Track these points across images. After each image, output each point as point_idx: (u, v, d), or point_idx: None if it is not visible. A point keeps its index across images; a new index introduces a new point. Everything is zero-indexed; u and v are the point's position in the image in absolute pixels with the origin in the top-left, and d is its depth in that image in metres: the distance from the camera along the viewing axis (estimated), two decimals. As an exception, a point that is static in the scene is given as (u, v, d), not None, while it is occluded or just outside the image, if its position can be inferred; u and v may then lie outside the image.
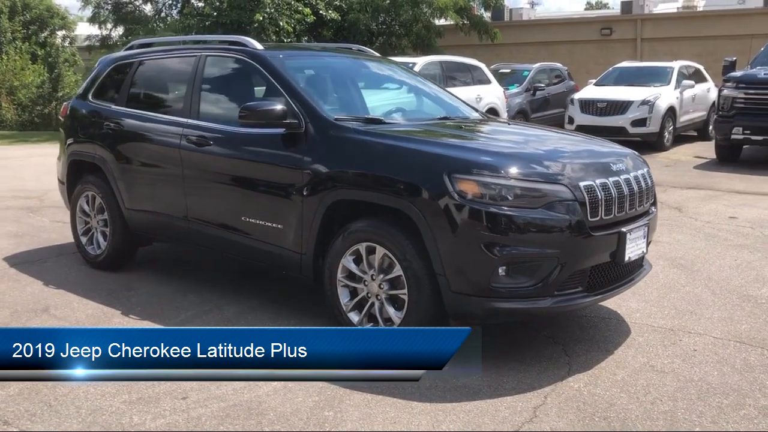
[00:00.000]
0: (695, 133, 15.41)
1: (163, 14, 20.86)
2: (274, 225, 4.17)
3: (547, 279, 3.41)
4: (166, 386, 3.42)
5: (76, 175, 5.65)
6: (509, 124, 4.95)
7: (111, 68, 5.58)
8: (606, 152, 3.97)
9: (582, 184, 3.49)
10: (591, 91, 14.37)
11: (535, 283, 3.41)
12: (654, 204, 4.07)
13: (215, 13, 16.98)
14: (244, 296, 4.78)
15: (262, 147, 4.23)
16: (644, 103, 13.29)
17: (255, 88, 4.63)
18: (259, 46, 4.59)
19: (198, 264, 5.72)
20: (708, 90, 15.68)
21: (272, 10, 16.37)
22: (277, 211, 4.15)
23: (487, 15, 24.63)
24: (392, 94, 4.87)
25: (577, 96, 14.24)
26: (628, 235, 3.64)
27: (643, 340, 4.00)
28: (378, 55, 5.38)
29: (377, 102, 4.71)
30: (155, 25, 20.37)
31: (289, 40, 16.69)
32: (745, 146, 11.49)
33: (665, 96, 13.62)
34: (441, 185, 3.42)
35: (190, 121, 4.64)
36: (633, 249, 3.71)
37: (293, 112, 4.08)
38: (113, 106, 5.32)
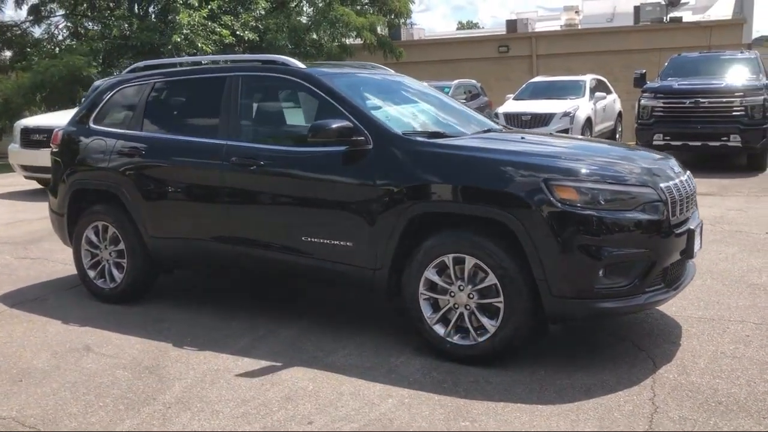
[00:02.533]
0: (604, 139, 16.42)
1: (60, 37, 19.77)
2: (342, 243, 4.14)
3: (641, 277, 3.61)
4: (283, 413, 3.32)
5: (79, 206, 5.34)
6: (551, 134, 5.16)
7: (115, 92, 5.33)
8: (659, 158, 4.25)
9: (662, 185, 3.73)
10: (513, 105, 15.03)
11: (630, 282, 3.60)
12: (696, 205, 4.39)
13: (126, 33, 16.35)
14: (287, 318, 4.69)
15: (324, 166, 4.19)
16: (565, 114, 14.08)
17: (303, 107, 4.57)
18: (302, 65, 4.56)
19: (215, 290, 5.54)
20: (614, 101, 16.81)
21: (188, 32, 15.99)
22: (345, 228, 4.12)
23: (383, 34, 25.14)
24: (429, 108, 4.96)
25: (501, 110, 14.85)
26: (695, 232, 3.91)
27: (697, 331, 4.28)
28: (393, 71, 5.45)
29: (420, 117, 4.78)
30: (52, 48, 19.30)
31: (205, 61, 16.35)
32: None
33: (583, 107, 14.49)
34: (539, 193, 3.55)
35: (232, 143, 4.52)
36: (697, 245, 3.99)
37: (357, 129, 4.09)
38: (127, 131, 5.08)
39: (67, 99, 16.14)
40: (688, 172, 4.31)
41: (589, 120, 14.55)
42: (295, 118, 4.88)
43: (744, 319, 4.46)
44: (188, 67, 5.27)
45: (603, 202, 3.56)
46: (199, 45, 16.04)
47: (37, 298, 5.41)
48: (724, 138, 11.44)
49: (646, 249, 3.61)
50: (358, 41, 21.08)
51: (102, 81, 5.61)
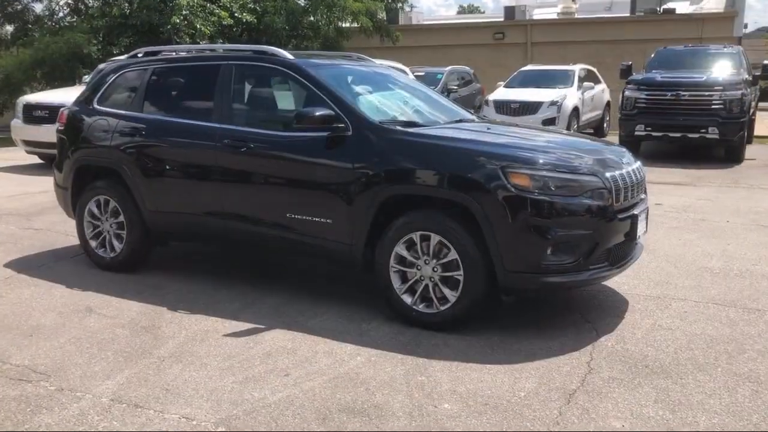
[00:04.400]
0: (592, 131, 16.82)
1: (60, 15, 20.04)
2: (322, 220, 4.58)
3: (585, 256, 4.06)
4: (263, 367, 3.78)
5: (83, 181, 5.76)
6: (516, 125, 5.59)
7: (118, 75, 5.74)
8: (610, 149, 4.69)
9: (608, 174, 4.18)
10: (503, 93, 15.43)
11: (575, 259, 4.05)
12: (645, 192, 4.83)
13: (127, 12, 16.65)
14: (275, 289, 5.13)
15: (307, 149, 4.62)
16: (553, 103, 14.49)
17: (292, 95, 4.99)
18: (290, 56, 4.97)
19: (206, 260, 5.99)
20: (603, 91, 17.20)
21: (188, 13, 16.30)
22: (325, 206, 4.56)
23: (381, 17, 25.43)
24: (409, 99, 5.38)
25: (491, 97, 15.25)
26: (639, 218, 4.36)
27: (642, 307, 4.75)
28: (376, 62, 5.86)
29: (399, 107, 5.21)
30: (53, 24, 19.58)
31: (203, 42, 16.68)
32: (642, 142, 12.85)
33: (570, 97, 14.89)
34: (496, 179, 3.99)
35: (225, 126, 4.95)
36: (641, 229, 4.43)
37: (338, 116, 4.52)
38: (128, 112, 5.50)
39: (67, 76, 16.48)
40: (639, 163, 4.74)
41: (576, 109, 14.95)
42: (283, 104, 5.29)
43: (686, 298, 4.93)
44: (186, 55, 5.68)
45: (553, 189, 4.01)
46: (198, 26, 16.36)
47: (42, 265, 5.85)
48: (703, 130, 11.89)
49: (591, 231, 4.06)
50: (355, 25, 21.40)
51: (105, 64, 6.02)
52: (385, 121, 4.62)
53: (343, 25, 21.09)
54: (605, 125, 17.46)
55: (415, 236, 4.25)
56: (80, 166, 5.72)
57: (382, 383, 3.60)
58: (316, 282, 5.37)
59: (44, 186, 8.92)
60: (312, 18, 20.09)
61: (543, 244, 3.98)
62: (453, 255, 4.14)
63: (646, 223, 4.63)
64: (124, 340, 4.21)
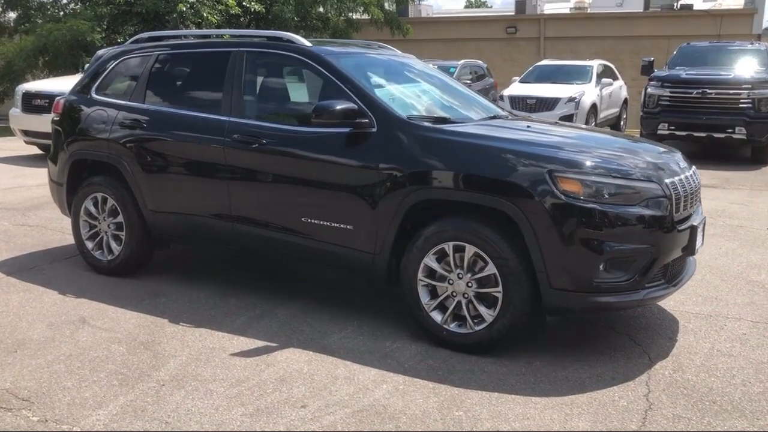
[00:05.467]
0: (608, 129, 16.32)
1: (64, 1, 19.52)
2: (342, 225, 4.11)
3: (641, 273, 3.59)
4: (277, 395, 3.32)
5: (79, 176, 5.30)
6: (556, 122, 5.11)
7: (118, 62, 5.27)
8: (665, 152, 4.20)
9: (667, 181, 3.70)
10: (519, 88, 14.91)
11: (630, 277, 3.58)
12: (700, 200, 4.35)
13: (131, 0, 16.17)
14: (285, 298, 4.68)
15: (326, 146, 4.15)
16: (570, 100, 13.97)
17: (309, 86, 4.52)
18: (307, 43, 4.49)
19: (211, 266, 5.53)
20: (620, 87, 16.69)
21: (194, 1, 15.81)
22: (345, 211, 4.09)
23: (391, 9, 24.90)
24: (435, 92, 4.90)
25: (506, 93, 14.74)
26: (698, 229, 3.88)
27: (694, 327, 4.27)
28: (399, 52, 5.37)
29: (426, 100, 4.73)
30: (56, 11, 19.09)
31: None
32: (665, 141, 12.33)
33: (588, 93, 14.38)
34: (543, 184, 3.52)
35: (235, 119, 4.48)
36: (699, 242, 3.96)
37: (362, 111, 4.05)
38: (129, 102, 5.03)
39: (69, 64, 16.00)
40: (694, 167, 4.27)
41: (594, 106, 14.44)
42: (299, 96, 4.82)
43: (741, 317, 4.45)
44: (193, 41, 5.20)
45: (607, 196, 3.53)
46: (205, 15, 15.86)
47: (34, 267, 5.40)
48: (730, 130, 11.38)
49: (648, 245, 3.58)
50: (365, 17, 20.88)
51: (105, 50, 5.53)
52: (413, 117, 4.14)
53: (354, 16, 20.56)
54: (622, 123, 16.95)
55: (448, 247, 3.78)
56: (76, 160, 5.26)
57: (413, 418, 3.13)
58: (333, 292, 4.90)
59: (42, 178, 8.41)
60: (321, 9, 19.58)
61: (595, 260, 3.50)
62: (491, 269, 3.67)
63: (703, 235, 4.15)
64: (120, 358, 3.75)
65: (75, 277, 5.16)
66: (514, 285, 3.62)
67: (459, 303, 3.81)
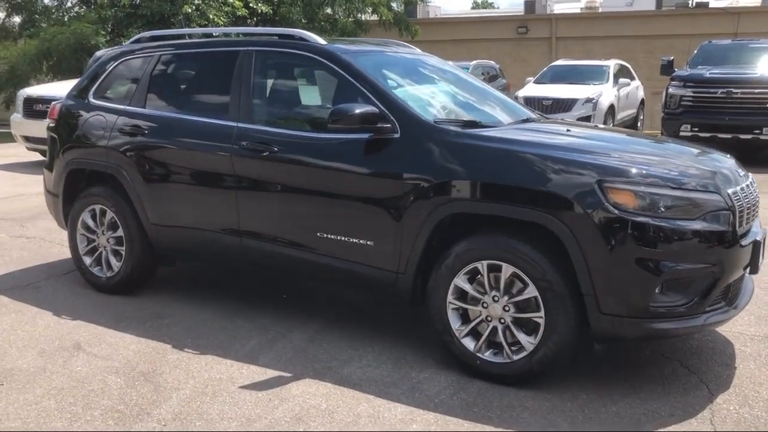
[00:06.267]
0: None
1: (68, 4, 19.23)
2: (361, 242, 3.72)
3: (701, 295, 3.18)
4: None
5: (76, 187, 4.93)
6: (596, 126, 4.70)
7: (118, 63, 4.89)
8: (720, 158, 3.79)
9: (729, 191, 3.29)
10: (534, 89, 14.51)
11: (689, 300, 3.17)
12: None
13: (136, 2, 15.83)
14: (299, 319, 4.29)
15: (344, 154, 3.76)
16: (588, 101, 13.56)
17: (323, 89, 4.13)
18: (322, 41, 4.11)
19: (218, 283, 5.14)
20: (637, 88, 16.27)
21: (200, 2, 15.47)
22: (365, 225, 3.70)
23: (399, 10, 24.51)
24: (460, 93, 4.49)
25: (521, 94, 14.33)
26: (761, 245, 3.47)
27: (752, 351, 3.86)
28: (417, 50, 4.98)
29: (451, 102, 4.33)
30: (60, 15, 18.80)
31: (216, 33, 15.83)
32: (687, 143, 11.88)
33: (606, 94, 13.97)
34: (591, 195, 3.12)
35: (243, 125, 4.09)
36: (761, 258, 3.55)
37: (383, 115, 3.66)
38: (130, 107, 4.65)
39: (74, 68, 15.68)
40: (751, 176, 3.85)
41: (612, 107, 14.03)
42: (313, 99, 4.44)
43: (802, 339, 4.03)
44: (198, 40, 4.82)
45: (663, 209, 3.12)
46: (211, 16, 15.52)
47: (29, 284, 5.03)
48: (757, 131, 10.94)
49: (709, 264, 3.17)
50: (374, 18, 20.50)
51: (104, 51, 5.16)
52: (440, 121, 3.74)
53: (362, 17, 20.18)
54: (639, 124, 16.51)
55: (481, 266, 3.38)
56: (73, 169, 4.88)
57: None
58: (350, 313, 4.50)
59: (43, 187, 8.11)
60: (329, 10, 19.20)
61: (651, 281, 3.09)
62: (531, 292, 3.27)
63: (765, 250, 3.73)
64: (117, 392, 3.36)
65: (72, 295, 4.78)
66: (558, 310, 3.22)
67: (494, 329, 3.40)
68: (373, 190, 3.65)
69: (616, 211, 3.08)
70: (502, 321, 3.38)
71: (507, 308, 3.36)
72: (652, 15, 23.13)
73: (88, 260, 4.87)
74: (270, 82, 4.30)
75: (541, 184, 3.22)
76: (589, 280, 3.13)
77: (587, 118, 13.36)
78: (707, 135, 11.36)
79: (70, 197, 4.94)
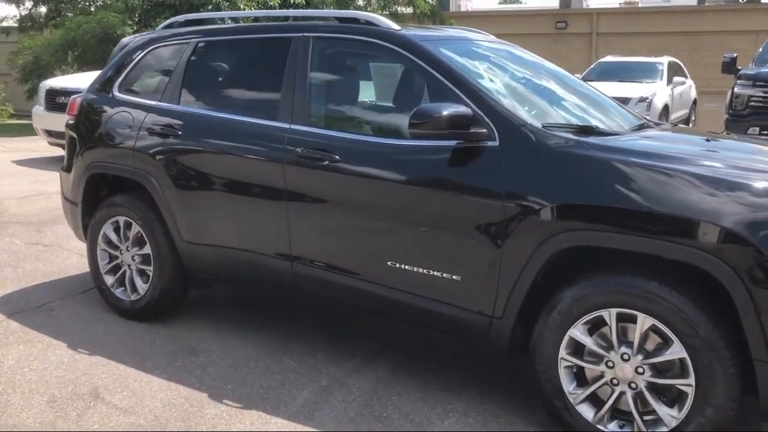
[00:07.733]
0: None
1: (95, -8, 18.69)
2: (444, 275, 2.98)
3: None
4: None
5: (97, 194, 4.25)
6: (731, 135, 3.94)
7: (146, 52, 4.20)
8: None
9: None
10: (582, 87, 13.65)
11: None
12: None
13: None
14: (358, 361, 3.57)
15: (425, 165, 3.03)
16: (642, 100, 12.66)
17: (397, 84, 3.39)
18: (395, 25, 3.36)
19: (262, 310, 4.43)
20: (690, 87, 15.39)
21: (230, -9, 14.82)
22: (451, 255, 2.96)
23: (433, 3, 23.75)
24: (563, 93, 3.71)
25: (568, 91, 13.49)
26: None
27: None
28: (495, 37, 4.21)
29: (557, 104, 3.55)
30: (87, 4, 18.27)
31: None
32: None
33: (660, 93, 13.10)
34: (766, 228, 2.35)
35: (298, 127, 3.37)
36: None
37: (478, 117, 2.91)
38: (160, 103, 3.95)
39: (99, 59, 15.12)
40: None
41: (666, 107, 13.14)
42: (384, 97, 3.70)
43: None
44: (241, 25, 4.10)
45: None
46: (241, 6, 14.86)
47: (42, 306, 4.36)
48: (835, 135, 10.05)
49: None
50: (409, 10, 19.73)
51: (131, 38, 4.46)
52: (550, 126, 2.98)
53: (397, 9, 19.43)
54: (691, 125, 15.58)
55: (608, 314, 2.63)
56: (94, 173, 4.20)
57: None
58: (422, 355, 3.76)
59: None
60: (362, 2, 18.46)
61: None
62: (677, 351, 2.51)
63: None
64: (142, 465, 2.66)
65: (90, 321, 4.11)
66: (714, 377, 2.46)
67: (622, 395, 2.65)
68: (463, 210, 2.91)
69: (806, 253, 2.31)
70: (633, 386, 2.63)
71: (641, 370, 2.61)
72: (699, 10, 22.13)
73: (109, 280, 4.19)
74: (330, 75, 3.55)
75: (696, 212, 2.45)
76: (764, 341, 2.37)
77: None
78: (777, 139, 10.50)
79: (90, 206, 4.26)
